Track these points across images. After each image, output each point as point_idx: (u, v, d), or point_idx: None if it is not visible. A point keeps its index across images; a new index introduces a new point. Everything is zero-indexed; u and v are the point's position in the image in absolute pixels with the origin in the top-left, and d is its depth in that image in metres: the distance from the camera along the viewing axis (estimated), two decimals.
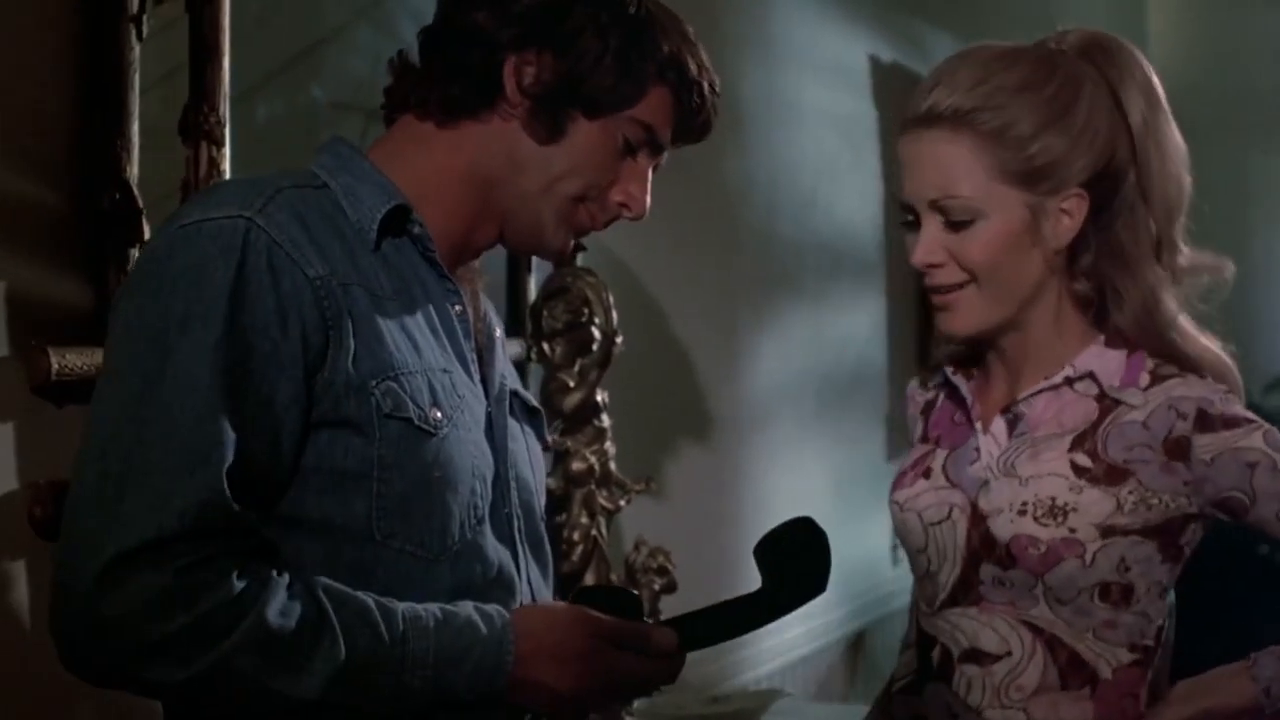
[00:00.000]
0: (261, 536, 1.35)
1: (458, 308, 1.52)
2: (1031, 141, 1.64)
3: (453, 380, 1.47)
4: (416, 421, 1.41)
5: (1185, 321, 1.71)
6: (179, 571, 1.27)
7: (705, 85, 1.54)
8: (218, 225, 1.37)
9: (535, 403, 1.66)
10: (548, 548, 1.62)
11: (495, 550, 1.48)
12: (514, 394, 1.60)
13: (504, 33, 1.48)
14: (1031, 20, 5.52)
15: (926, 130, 1.66)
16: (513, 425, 1.58)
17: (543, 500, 1.63)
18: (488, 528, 1.48)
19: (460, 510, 1.44)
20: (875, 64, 4.24)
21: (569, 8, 1.49)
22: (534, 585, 1.56)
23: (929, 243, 1.68)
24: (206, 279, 1.35)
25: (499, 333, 1.64)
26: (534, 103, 1.49)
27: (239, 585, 1.29)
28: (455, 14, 1.52)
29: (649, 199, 1.56)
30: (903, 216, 1.72)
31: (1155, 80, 1.70)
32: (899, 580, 3.97)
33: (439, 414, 1.43)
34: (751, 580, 1.58)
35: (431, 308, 1.49)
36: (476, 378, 1.52)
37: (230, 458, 1.31)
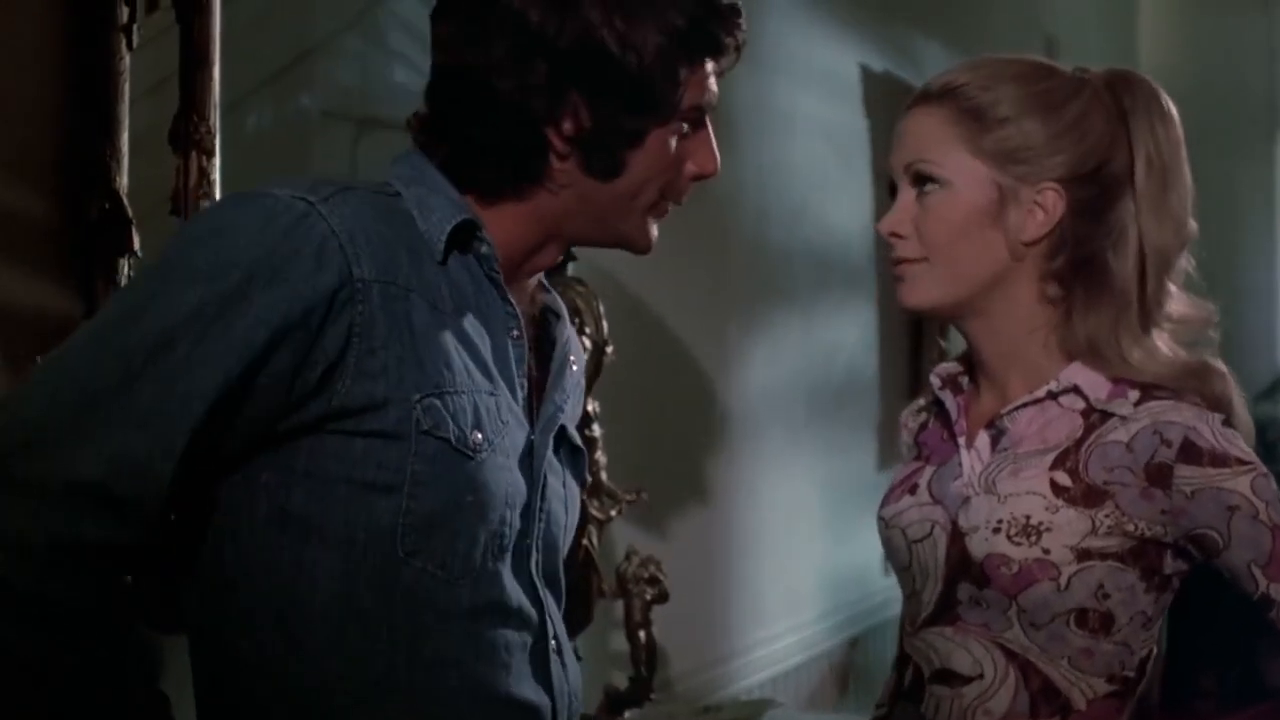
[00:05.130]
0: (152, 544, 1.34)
1: (515, 333, 1.48)
2: (1009, 123, 1.64)
3: (498, 404, 1.44)
4: (455, 443, 1.38)
5: (1155, 349, 1.65)
6: (55, 540, 1.27)
7: (736, 28, 1.47)
8: (276, 199, 1.35)
9: (579, 442, 1.61)
10: (563, 584, 1.58)
11: (513, 579, 1.46)
12: (563, 429, 1.56)
13: (536, 101, 1.42)
14: (1022, 29, 5.56)
15: (916, 107, 1.69)
16: (555, 461, 1.54)
17: (570, 539, 1.59)
18: (509, 556, 1.46)
19: (486, 536, 1.42)
20: (866, 73, 4.25)
21: (589, 50, 1.41)
22: (554, 619, 1.53)
23: (898, 211, 1.68)
24: (235, 241, 1.32)
25: (574, 363, 1.60)
26: (584, 151, 1.45)
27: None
28: (474, 82, 1.42)
29: (716, 151, 1.53)
30: (889, 196, 1.72)
31: (1175, 119, 1.68)
32: (890, 589, 3.95)
33: (479, 436, 1.40)
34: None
35: (487, 329, 1.46)
36: (523, 404, 1.49)
37: (177, 434, 1.29)
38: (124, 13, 1.86)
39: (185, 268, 1.32)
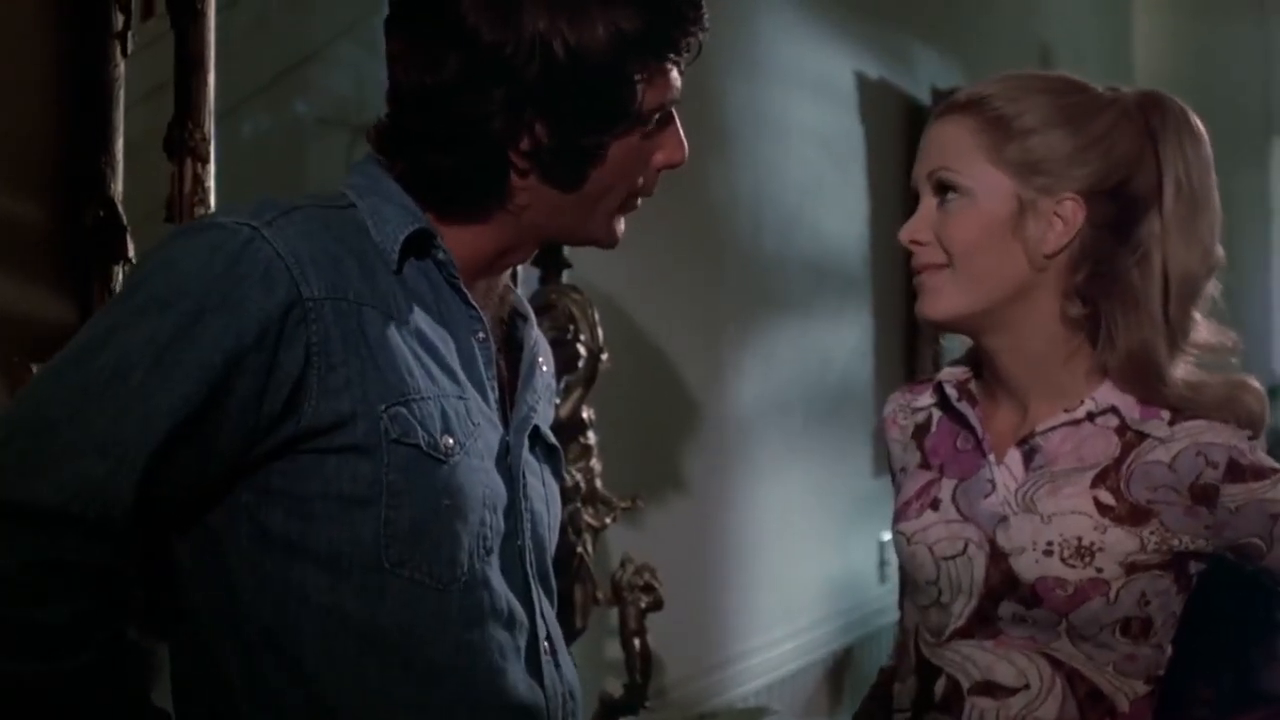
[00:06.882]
0: (124, 576, 1.34)
1: (480, 335, 1.49)
2: (1034, 133, 1.64)
3: (468, 407, 1.44)
4: (425, 448, 1.39)
5: (1186, 374, 1.67)
6: (27, 565, 1.28)
7: (694, 23, 1.44)
8: (221, 227, 1.37)
9: (554, 441, 1.62)
10: (554, 583, 1.59)
11: (503, 582, 1.46)
12: (536, 428, 1.56)
13: (495, 124, 1.40)
14: (1018, 35, 5.56)
15: (942, 116, 1.69)
16: (532, 460, 1.55)
17: (555, 538, 1.60)
18: (496, 559, 1.45)
19: (469, 540, 1.42)
20: (861, 80, 4.25)
21: (542, 66, 1.38)
22: (547, 619, 1.53)
23: (918, 219, 1.68)
24: (184, 272, 1.34)
25: (543, 364, 1.60)
26: (544, 165, 1.43)
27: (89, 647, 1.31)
28: (430, 104, 1.42)
29: (684, 140, 1.50)
30: (911, 206, 1.72)
31: (1205, 141, 1.68)
32: (885, 597, 3.96)
33: (450, 441, 1.40)
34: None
35: (451, 333, 1.46)
36: (495, 405, 1.49)
37: (136, 458, 1.30)
38: (119, 19, 1.86)
39: (140, 301, 1.35)
